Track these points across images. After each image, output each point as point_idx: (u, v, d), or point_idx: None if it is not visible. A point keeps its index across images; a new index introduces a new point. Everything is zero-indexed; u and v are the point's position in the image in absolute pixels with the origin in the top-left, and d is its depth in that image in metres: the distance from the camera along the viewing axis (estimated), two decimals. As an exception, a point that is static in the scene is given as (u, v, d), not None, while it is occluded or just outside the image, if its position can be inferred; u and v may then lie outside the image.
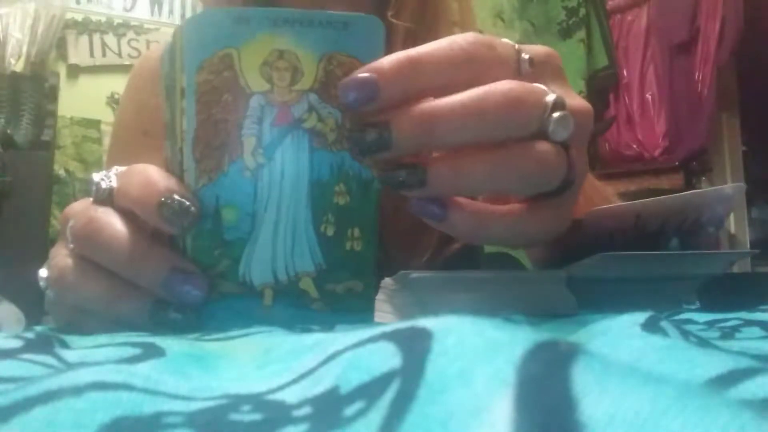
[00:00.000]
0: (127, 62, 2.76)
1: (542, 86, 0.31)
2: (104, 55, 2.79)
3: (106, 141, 2.65)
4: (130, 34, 2.84)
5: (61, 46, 2.70)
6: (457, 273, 0.35)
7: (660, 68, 2.60)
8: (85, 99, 2.72)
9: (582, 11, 2.59)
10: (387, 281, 0.35)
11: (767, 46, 2.45)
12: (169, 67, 0.32)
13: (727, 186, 0.41)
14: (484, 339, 0.12)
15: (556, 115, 0.30)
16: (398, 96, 0.29)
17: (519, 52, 0.32)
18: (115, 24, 2.82)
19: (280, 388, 0.15)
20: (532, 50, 0.32)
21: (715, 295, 0.40)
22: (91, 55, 2.77)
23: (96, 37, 2.79)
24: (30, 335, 0.23)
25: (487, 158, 0.29)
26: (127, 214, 0.31)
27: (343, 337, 0.15)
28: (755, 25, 2.42)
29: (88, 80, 2.75)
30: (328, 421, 0.12)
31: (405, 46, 0.30)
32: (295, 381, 0.15)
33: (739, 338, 0.26)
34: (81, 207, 0.32)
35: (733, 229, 2.58)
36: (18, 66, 2.47)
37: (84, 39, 2.76)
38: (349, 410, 0.12)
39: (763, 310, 0.35)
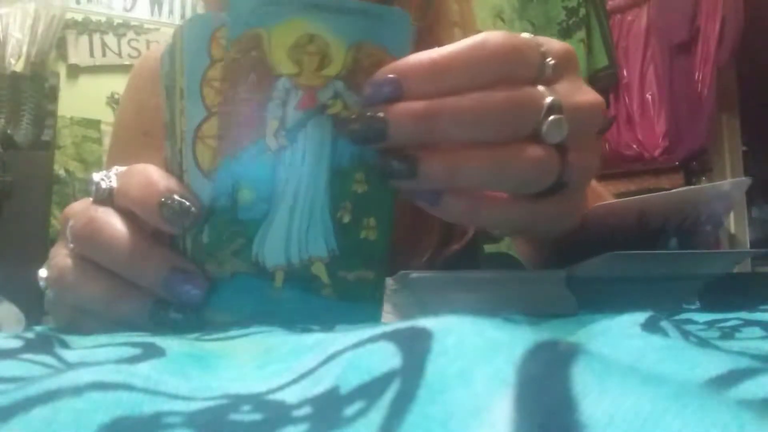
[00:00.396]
0: (127, 62, 2.76)
1: (542, 89, 0.31)
2: (104, 55, 2.79)
3: (106, 141, 2.65)
4: (130, 34, 2.84)
5: (61, 46, 2.70)
6: (457, 273, 0.35)
7: (660, 68, 2.60)
8: (85, 99, 2.72)
9: (582, 11, 2.59)
10: (387, 281, 0.35)
11: (767, 46, 2.45)
12: (169, 68, 0.32)
13: (729, 181, 0.40)
14: (484, 339, 0.12)
15: (550, 118, 0.30)
16: (420, 97, 0.29)
17: (544, 55, 0.32)
18: (115, 24, 2.82)
19: (280, 388, 0.15)
20: (553, 49, 0.33)
21: (715, 295, 0.40)
22: (91, 55, 2.78)
23: (96, 37, 2.79)
24: (30, 335, 0.23)
25: (478, 156, 0.30)
26: (127, 214, 0.31)
27: (343, 337, 0.15)
28: (755, 25, 2.42)
29: (88, 80, 2.75)
30: (328, 421, 0.12)
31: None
32: (295, 381, 0.15)
33: (739, 338, 0.26)
34: (81, 207, 0.32)
35: (733, 229, 2.58)
36: (18, 66, 2.47)
37: (84, 39, 2.76)
38: (349, 410, 0.12)
39: (763, 310, 0.35)
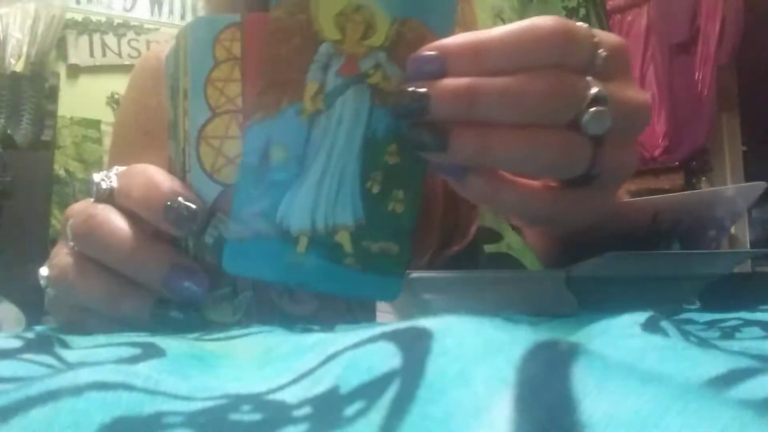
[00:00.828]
0: (127, 62, 2.76)
1: (590, 79, 0.30)
2: (104, 55, 2.79)
3: (106, 141, 2.65)
4: (130, 34, 2.84)
5: (61, 46, 2.70)
6: (457, 273, 0.35)
7: (660, 68, 2.60)
8: (85, 99, 2.72)
9: (582, 11, 2.59)
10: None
11: (767, 46, 2.45)
12: (173, 69, 0.32)
13: (743, 185, 0.40)
14: (484, 339, 0.12)
15: (593, 109, 0.30)
16: (463, 76, 0.29)
17: (597, 46, 0.31)
18: (115, 24, 2.82)
19: (280, 388, 0.15)
20: (607, 41, 0.32)
21: (715, 295, 0.40)
22: (91, 55, 2.77)
23: (96, 37, 2.79)
24: (30, 335, 0.23)
25: (510, 136, 0.30)
26: (127, 213, 0.31)
27: (343, 337, 0.15)
28: (755, 25, 2.42)
29: (88, 80, 2.75)
30: (328, 421, 0.12)
31: None
32: (295, 381, 0.15)
33: (739, 338, 0.26)
34: (81, 206, 0.32)
35: (732, 229, 2.58)
36: (18, 66, 2.47)
37: (84, 39, 2.76)
38: (349, 410, 0.12)
39: (763, 310, 0.35)
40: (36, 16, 2.54)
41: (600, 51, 0.31)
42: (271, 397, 0.14)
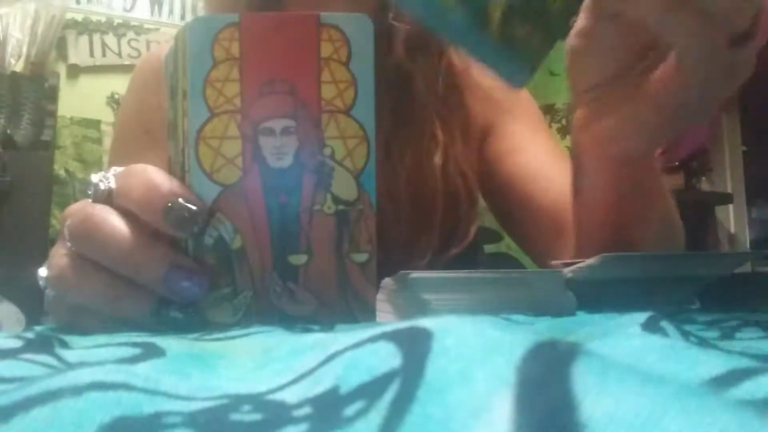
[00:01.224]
0: (127, 62, 2.76)
1: None
2: (104, 55, 2.79)
3: (106, 141, 2.65)
4: (130, 34, 2.84)
5: (61, 46, 2.70)
6: (457, 273, 0.35)
7: (660, 68, 2.59)
8: (85, 99, 2.71)
9: (582, 11, 2.58)
10: (387, 281, 0.35)
11: (767, 46, 2.44)
12: (172, 69, 0.32)
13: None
14: (484, 339, 0.12)
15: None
16: None
17: None
18: (115, 24, 2.82)
19: (280, 388, 0.15)
20: None
21: (715, 295, 0.40)
22: (91, 55, 2.77)
23: (96, 37, 2.78)
24: (30, 335, 0.23)
25: None
26: (125, 214, 0.30)
27: (343, 337, 0.15)
28: (755, 25, 2.42)
29: (88, 80, 2.75)
30: (328, 421, 0.12)
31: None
32: (295, 381, 0.15)
33: (739, 338, 0.26)
34: (79, 207, 0.32)
35: (733, 229, 2.58)
36: (18, 66, 2.47)
37: (84, 39, 2.76)
38: (349, 410, 0.12)
39: (763, 310, 0.35)
40: (36, 16, 2.53)
41: None
42: (271, 397, 0.14)
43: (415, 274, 0.33)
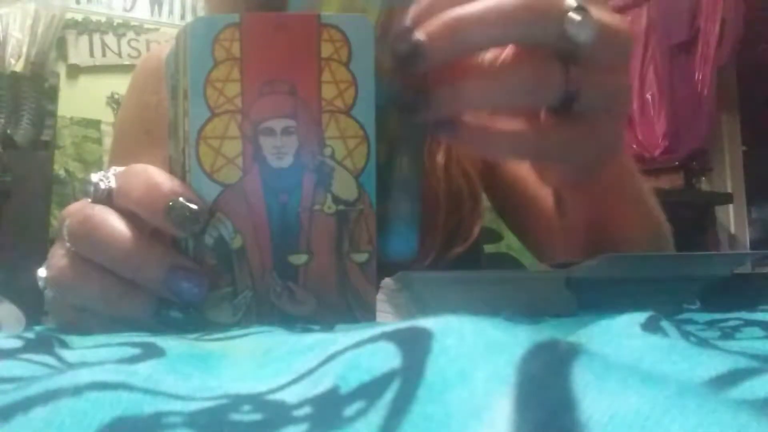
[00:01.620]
0: (127, 62, 2.76)
1: None
2: (104, 55, 2.79)
3: (106, 141, 2.65)
4: (130, 34, 2.84)
5: (61, 46, 2.70)
6: (457, 273, 0.35)
7: (660, 68, 2.60)
8: (85, 99, 2.71)
9: (582, 11, 2.58)
10: (387, 281, 0.35)
11: (767, 46, 2.45)
12: (173, 69, 0.32)
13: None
14: (484, 339, 0.12)
15: (575, 15, 0.30)
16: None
17: None
18: (115, 24, 2.82)
19: (280, 388, 0.15)
20: None
21: (715, 295, 0.40)
22: (91, 55, 2.77)
23: (96, 37, 2.79)
24: (30, 335, 0.23)
25: (482, 72, 0.31)
26: (125, 213, 0.30)
27: (343, 337, 0.15)
28: (755, 25, 2.42)
29: (88, 80, 2.75)
30: (328, 421, 0.12)
31: None
32: (295, 381, 0.15)
33: (739, 338, 0.26)
34: (78, 207, 0.32)
35: (733, 229, 2.58)
36: (18, 66, 2.47)
37: (84, 39, 2.76)
38: (349, 410, 0.12)
39: (763, 310, 0.35)
40: (36, 16, 2.53)
41: None
42: (271, 397, 0.14)
43: (415, 274, 0.33)
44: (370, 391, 0.12)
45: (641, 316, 0.20)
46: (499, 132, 0.33)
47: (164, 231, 0.30)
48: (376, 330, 0.14)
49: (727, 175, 2.61)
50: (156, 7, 2.91)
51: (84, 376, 0.13)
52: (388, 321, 0.34)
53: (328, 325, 0.29)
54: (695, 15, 2.49)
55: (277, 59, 0.30)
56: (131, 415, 0.12)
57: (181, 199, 0.29)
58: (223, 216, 0.30)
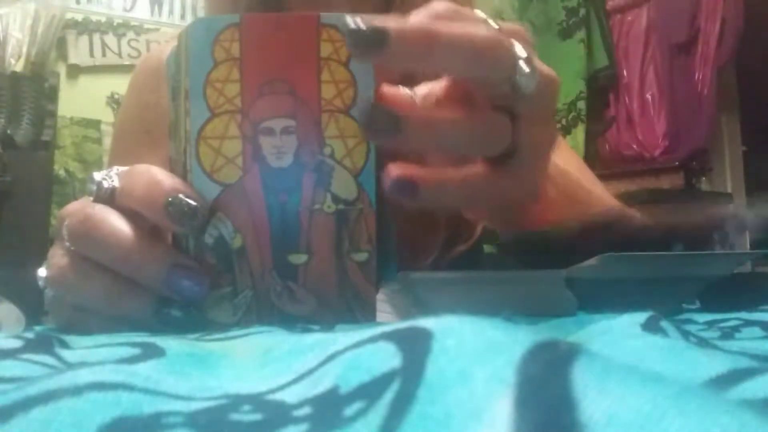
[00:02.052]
0: (127, 62, 2.76)
1: (516, 41, 0.32)
2: (104, 55, 2.80)
3: (106, 141, 2.65)
4: (130, 34, 2.85)
5: (61, 46, 2.70)
6: (457, 273, 0.35)
7: (660, 68, 2.60)
8: (85, 99, 2.72)
9: (582, 11, 2.59)
10: (387, 281, 0.35)
11: (767, 46, 2.45)
12: (174, 70, 0.32)
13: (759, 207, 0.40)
14: (484, 339, 0.12)
15: (524, 66, 0.31)
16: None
17: (487, 20, 0.34)
18: (115, 24, 2.82)
19: (280, 388, 0.15)
20: (501, 24, 0.34)
21: (715, 295, 0.40)
22: (91, 55, 2.78)
23: (96, 37, 2.79)
24: (30, 335, 0.23)
25: (446, 116, 0.32)
26: (126, 213, 0.31)
27: (343, 337, 0.15)
28: (755, 25, 2.42)
29: (88, 80, 2.75)
30: (328, 421, 0.12)
31: None
32: (295, 381, 0.15)
33: (739, 338, 0.26)
34: (78, 206, 0.32)
35: (732, 229, 2.57)
36: (18, 66, 2.47)
37: (84, 39, 2.77)
38: (349, 410, 0.12)
39: (763, 310, 0.35)
40: (36, 16, 2.54)
41: (493, 24, 0.34)
42: (271, 397, 0.14)
43: (415, 274, 0.33)
44: (370, 391, 0.12)
45: (641, 316, 0.20)
46: (454, 188, 0.33)
47: (164, 228, 0.30)
48: (376, 330, 0.14)
49: (727, 175, 2.61)
50: (156, 7, 2.91)
51: (84, 376, 0.13)
52: (388, 321, 0.34)
53: (328, 325, 0.29)
54: (695, 15, 2.49)
55: (276, 59, 0.30)
56: (131, 415, 0.12)
57: (180, 195, 0.29)
58: (223, 216, 0.30)
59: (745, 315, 0.32)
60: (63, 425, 0.12)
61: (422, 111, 0.32)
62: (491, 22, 0.34)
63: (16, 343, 0.21)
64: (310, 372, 0.15)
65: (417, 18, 0.30)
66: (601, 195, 0.57)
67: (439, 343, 0.12)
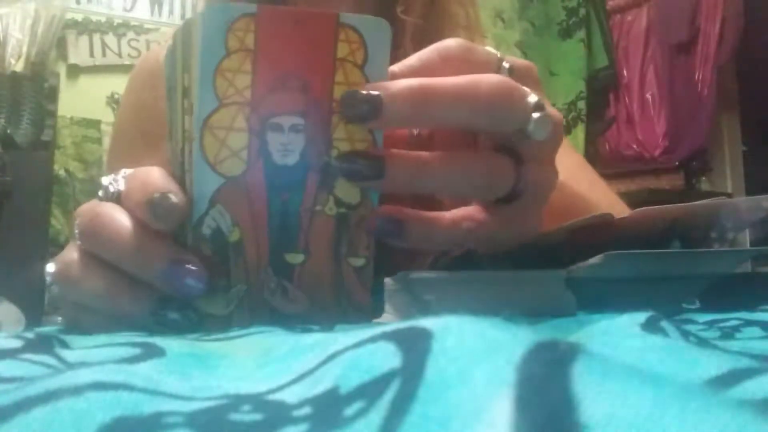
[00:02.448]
0: (127, 62, 2.76)
1: (526, 88, 0.32)
2: (104, 55, 2.79)
3: (106, 141, 2.65)
4: (130, 34, 2.84)
5: (61, 46, 2.70)
6: (457, 273, 0.35)
7: (660, 68, 2.60)
8: (85, 99, 2.72)
9: (582, 11, 2.59)
10: (387, 281, 0.35)
11: (767, 46, 2.45)
12: (170, 69, 0.32)
13: (755, 198, 0.40)
14: (484, 339, 0.12)
15: (536, 115, 0.31)
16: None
17: (501, 60, 0.33)
18: (115, 24, 2.82)
19: (280, 388, 0.15)
20: (513, 61, 0.34)
21: (715, 295, 0.40)
22: (91, 55, 2.77)
23: (96, 37, 2.79)
24: (30, 335, 0.23)
25: (444, 160, 0.31)
26: (132, 214, 0.31)
27: (343, 337, 0.15)
28: (755, 25, 2.42)
29: (88, 80, 2.75)
30: (328, 421, 0.12)
31: (413, 43, 0.31)
32: (295, 381, 0.15)
33: (739, 338, 0.26)
34: (90, 206, 0.33)
35: (733, 229, 2.57)
36: (18, 66, 2.47)
37: (84, 39, 2.76)
38: (349, 410, 0.12)
39: (763, 310, 0.35)
40: (36, 16, 2.53)
41: (504, 63, 0.33)
42: (271, 397, 0.14)
43: (415, 274, 0.33)
44: (370, 391, 0.12)
45: (641, 316, 0.20)
46: (444, 232, 0.33)
47: (150, 225, 0.30)
48: (376, 330, 0.14)
49: (727, 175, 2.61)
50: (156, 7, 2.91)
51: (84, 376, 0.13)
52: (388, 321, 0.34)
53: (328, 325, 0.29)
54: (695, 15, 2.49)
55: (291, 55, 0.30)
56: (131, 415, 0.12)
57: (161, 192, 0.29)
58: (223, 208, 0.30)
59: (745, 315, 0.32)
60: (63, 425, 0.12)
61: (410, 155, 0.31)
62: (504, 62, 0.33)
63: (16, 343, 0.21)
64: (310, 372, 0.15)
65: (414, 80, 0.30)
66: (599, 201, 0.56)
67: (439, 343, 0.12)
